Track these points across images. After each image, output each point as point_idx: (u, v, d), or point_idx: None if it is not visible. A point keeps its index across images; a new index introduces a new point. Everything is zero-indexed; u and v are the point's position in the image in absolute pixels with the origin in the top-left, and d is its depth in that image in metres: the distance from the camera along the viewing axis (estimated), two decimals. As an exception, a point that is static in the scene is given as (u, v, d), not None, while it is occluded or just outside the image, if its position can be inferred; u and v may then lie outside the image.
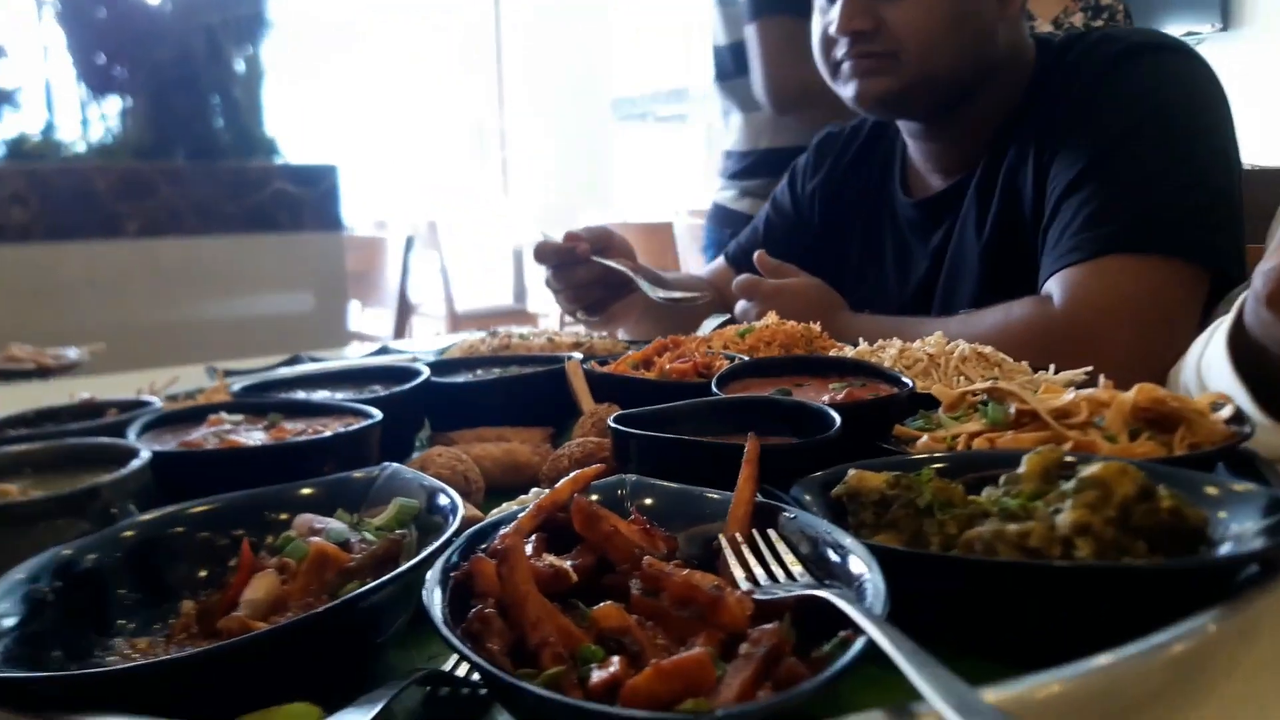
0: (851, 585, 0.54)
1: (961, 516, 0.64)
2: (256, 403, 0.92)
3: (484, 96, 8.78)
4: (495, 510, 0.77)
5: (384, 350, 1.52)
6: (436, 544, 0.58)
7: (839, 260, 1.61)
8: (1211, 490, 0.63)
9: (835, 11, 1.34)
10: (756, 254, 1.47)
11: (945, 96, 1.36)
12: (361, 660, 0.57)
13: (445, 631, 0.47)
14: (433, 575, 0.53)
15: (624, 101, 9.77)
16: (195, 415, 0.88)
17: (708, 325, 1.48)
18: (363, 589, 0.52)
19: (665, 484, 0.69)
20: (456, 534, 0.60)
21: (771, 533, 0.62)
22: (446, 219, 6.99)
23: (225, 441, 0.79)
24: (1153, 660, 0.48)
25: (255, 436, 0.83)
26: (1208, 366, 0.93)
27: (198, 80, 2.62)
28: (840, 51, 1.37)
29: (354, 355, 1.62)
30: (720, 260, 1.82)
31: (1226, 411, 0.84)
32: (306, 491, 0.69)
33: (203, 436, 0.82)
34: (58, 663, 0.54)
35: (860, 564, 0.55)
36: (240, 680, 0.49)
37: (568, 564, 0.56)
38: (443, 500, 0.66)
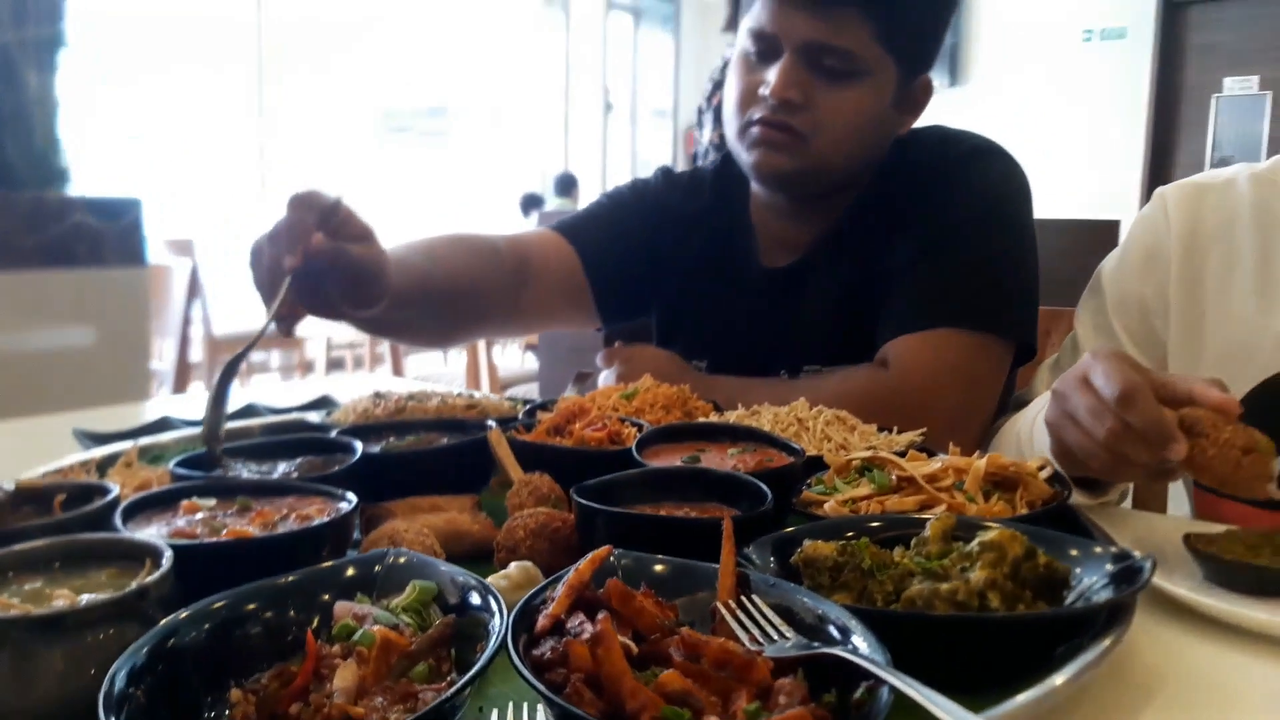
0: (841, 643, 0.69)
1: (896, 576, 0.81)
2: (228, 484, 0.95)
3: (243, 109, 8.38)
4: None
5: (250, 410, 1.52)
6: (499, 628, 0.67)
7: (680, 303, 1.74)
8: (1074, 551, 0.83)
9: (772, 74, 1.43)
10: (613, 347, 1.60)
11: (829, 185, 1.53)
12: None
13: (569, 706, 0.57)
14: (516, 657, 0.63)
15: (390, 114, 9.68)
16: (166, 500, 0.90)
17: (570, 388, 1.61)
18: (475, 670, 0.61)
19: (656, 558, 0.81)
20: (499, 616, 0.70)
21: (756, 598, 0.76)
22: (203, 239, 6.65)
23: (231, 530, 0.83)
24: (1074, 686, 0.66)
25: (240, 522, 0.87)
26: (1035, 433, 1.16)
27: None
28: (758, 114, 1.46)
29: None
30: (545, 230, 1.77)
31: (1047, 472, 1.07)
32: (348, 575, 0.76)
33: (190, 525, 0.84)
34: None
35: (846, 624, 0.69)
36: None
37: (626, 639, 0.67)
38: (473, 596, 0.75)
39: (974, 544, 0.81)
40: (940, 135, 1.58)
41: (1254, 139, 8.09)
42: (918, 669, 0.61)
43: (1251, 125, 8.08)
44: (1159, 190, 1.39)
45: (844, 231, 1.57)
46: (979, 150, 1.54)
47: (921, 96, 1.56)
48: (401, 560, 0.81)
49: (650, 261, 1.73)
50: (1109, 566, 0.81)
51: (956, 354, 1.41)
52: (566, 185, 8.94)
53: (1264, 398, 1.22)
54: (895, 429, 1.29)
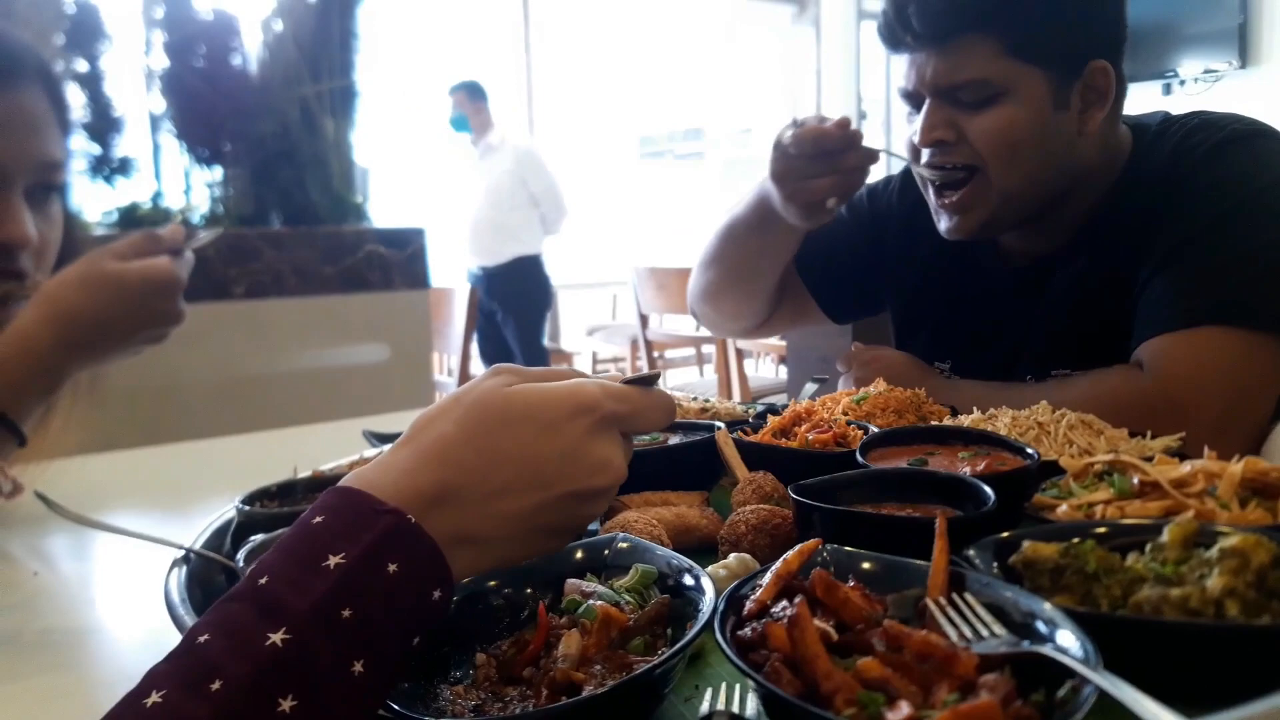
0: (1050, 642, 0.67)
1: (1123, 581, 0.77)
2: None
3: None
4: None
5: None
6: (709, 608, 0.71)
7: (916, 304, 1.73)
8: (1333, 558, 0.76)
9: (918, 122, 1.44)
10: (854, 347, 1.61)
11: (1029, 210, 1.47)
12: (652, 709, 0.71)
13: (765, 683, 0.61)
14: (721, 635, 0.67)
15: (646, 140, 10.04)
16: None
17: (807, 390, 1.62)
18: (681, 644, 0.66)
19: (865, 553, 0.82)
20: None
21: (968, 596, 0.76)
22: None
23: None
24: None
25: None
26: None
27: (295, 150, 2.80)
28: (924, 161, 1.47)
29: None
30: None
31: (1325, 482, 0.97)
32: (578, 557, 0.84)
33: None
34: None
35: (1056, 624, 0.68)
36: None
37: (826, 626, 0.69)
38: (686, 577, 0.79)
39: (1214, 550, 0.77)
40: (1198, 121, 1.45)
41: None
42: (1138, 675, 0.59)
43: None
44: None
45: (1089, 231, 1.49)
46: (1242, 134, 1.40)
47: (1103, 83, 1.43)
48: (626, 546, 0.87)
49: (876, 264, 1.76)
50: (1377, 578, 0.74)
51: (1222, 354, 1.30)
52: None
53: None
54: (1149, 434, 1.21)
